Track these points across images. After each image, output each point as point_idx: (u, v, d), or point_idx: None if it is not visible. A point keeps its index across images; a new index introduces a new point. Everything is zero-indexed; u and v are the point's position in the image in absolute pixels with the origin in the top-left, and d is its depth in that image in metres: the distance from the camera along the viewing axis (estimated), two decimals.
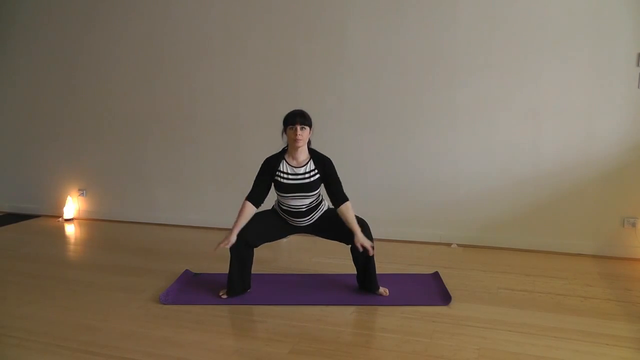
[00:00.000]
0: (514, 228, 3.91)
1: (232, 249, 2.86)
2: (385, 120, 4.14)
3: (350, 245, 2.90)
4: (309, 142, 2.92)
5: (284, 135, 2.87)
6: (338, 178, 2.90)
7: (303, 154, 2.88)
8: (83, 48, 5.00)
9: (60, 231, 4.79)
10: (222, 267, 3.11)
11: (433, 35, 3.94)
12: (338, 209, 2.85)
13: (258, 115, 4.47)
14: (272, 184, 2.88)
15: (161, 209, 4.95)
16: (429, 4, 3.92)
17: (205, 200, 4.77)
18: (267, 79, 4.42)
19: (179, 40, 4.67)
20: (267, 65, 4.41)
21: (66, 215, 5.15)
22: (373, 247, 2.82)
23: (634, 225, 3.64)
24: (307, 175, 2.84)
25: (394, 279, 3.15)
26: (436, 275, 3.25)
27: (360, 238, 2.76)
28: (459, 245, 4.03)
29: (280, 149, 2.95)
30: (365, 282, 2.95)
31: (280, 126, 2.88)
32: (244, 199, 2.86)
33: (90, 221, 5.15)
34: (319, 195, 2.94)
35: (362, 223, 2.89)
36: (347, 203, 2.85)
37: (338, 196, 2.86)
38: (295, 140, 2.78)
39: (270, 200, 3.00)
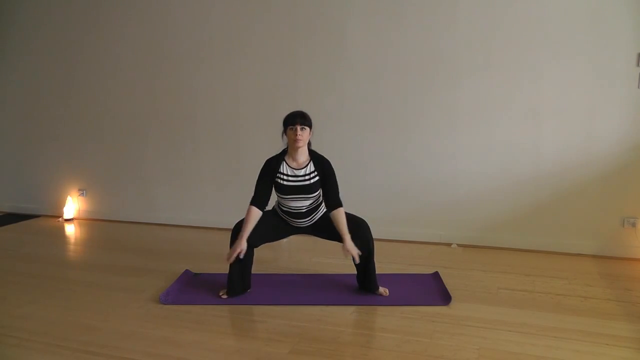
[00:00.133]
0: (514, 228, 3.91)
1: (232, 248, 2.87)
2: (385, 120, 4.14)
3: None
4: (309, 144, 2.92)
5: (284, 137, 2.87)
6: (335, 181, 2.88)
7: (303, 155, 2.88)
8: (83, 48, 5.00)
9: (60, 231, 4.79)
10: (222, 267, 3.11)
11: (433, 35, 3.94)
12: (330, 213, 2.84)
13: (258, 115, 4.47)
14: (273, 185, 2.88)
15: (161, 209, 4.95)
16: (429, 4, 3.92)
17: (205, 200, 4.77)
18: (267, 79, 4.42)
19: (179, 40, 4.67)
20: (267, 65, 4.41)
21: (66, 215, 5.15)
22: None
23: (634, 225, 3.64)
24: (307, 177, 2.84)
25: (394, 279, 3.15)
26: (436, 275, 3.25)
27: (348, 245, 2.75)
28: (459, 245, 4.03)
29: (280, 150, 2.95)
30: (365, 282, 2.94)
31: (280, 126, 2.88)
32: (249, 204, 2.84)
33: (90, 221, 5.15)
34: (319, 197, 2.94)
35: (362, 223, 2.89)
36: (340, 209, 2.83)
37: (332, 200, 2.85)
38: (296, 140, 2.78)
39: (271, 201, 3.00)
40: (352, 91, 4.20)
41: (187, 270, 3.37)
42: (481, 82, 3.87)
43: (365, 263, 2.89)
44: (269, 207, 3.03)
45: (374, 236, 2.91)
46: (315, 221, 2.95)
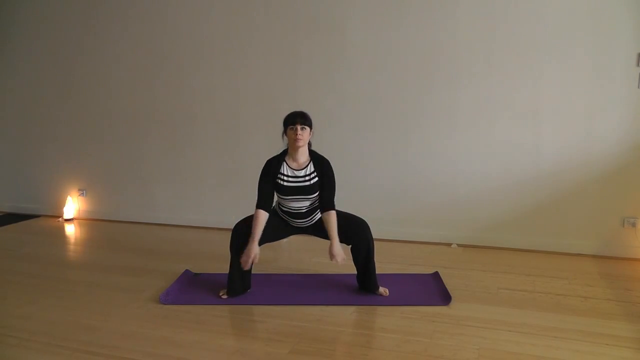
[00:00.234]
0: (514, 228, 3.91)
1: (232, 249, 2.86)
2: (385, 120, 4.14)
3: (350, 246, 2.91)
4: (309, 144, 2.92)
5: (285, 137, 2.87)
6: (332, 183, 2.86)
7: (303, 156, 2.88)
8: (83, 48, 5.00)
9: (60, 231, 4.79)
10: (222, 267, 3.11)
11: (433, 35, 3.94)
12: (322, 214, 2.84)
13: (258, 115, 4.47)
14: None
15: (161, 209, 4.95)
16: (429, 3, 3.92)
17: (205, 200, 4.77)
18: (267, 79, 4.42)
19: (178, 40, 4.67)
20: (267, 65, 4.41)
21: (66, 215, 5.15)
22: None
23: (634, 225, 3.64)
24: (307, 178, 2.84)
25: (394, 279, 3.15)
26: (436, 275, 3.25)
27: (335, 249, 2.74)
28: (459, 245, 4.03)
29: (280, 150, 2.95)
30: (365, 282, 2.94)
31: (280, 127, 2.88)
32: (255, 207, 2.83)
33: (90, 221, 5.15)
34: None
35: (362, 223, 2.89)
36: (332, 212, 2.81)
37: (325, 202, 2.84)
38: (296, 140, 2.78)
39: None
40: (352, 91, 4.20)
41: (187, 270, 3.37)
42: (481, 82, 3.87)
43: (366, 263, 2.89)
44: None
45: (374, 236, 2.91)
46: (316, 221, 2.95)
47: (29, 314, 2.72)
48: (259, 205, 2.83)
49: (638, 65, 3.51)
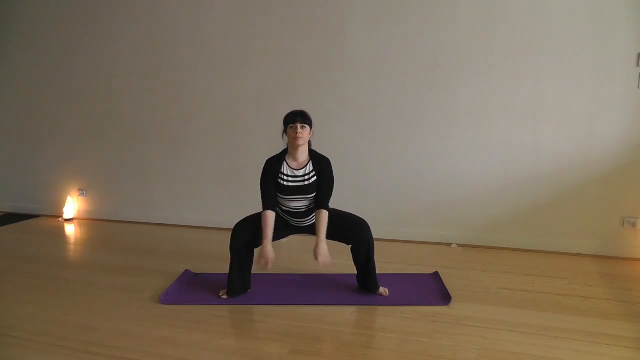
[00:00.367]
0: (514, 228, 3.92)
1: (232, 249, 2.86)
2: (385, 120, 4.14)
3: (350, 245, 2.91)
4: (309, 144, 2.92)
5: (285, 136, 2.87)
6: (328, 182, 2.85)
7: (303, 155, 2.88)
8: (83, 48, 5.00)
9: (60, 231, 4.79)
10: (222, 267, 3.11)
11: (433, 35, 3.94)
12: (315, 211, 2.83)
13: (258, 115, 4.47)
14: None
15: (161, 209, 4.95)
16: (429, 4, 3.93)
17: (205, 200, 4.77)
18: (267, 79, 4.43)
19: (178, 40, 4.67)
20: (267, 65, 4.41)
21: (66, 215, 5.15)
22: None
23: (634, 225, 3.64)
24: (306, 178, 2.84)
25: (394, 279, 3.15)
26: (436, 275, 3.25)
27: (320, 248, 2.74)
28: (459, 245, 4.03)
29: (280, 150, 2.94)
30: (365, 282, 2.94)
31: (280, 126, 2.88)
32: (262, 209, 2.82)
33: (90, 221, 5.15)
34: None
35: (362, 222, 2.89)
36: (324, 212, 2.80)
37: (319, 200, 2.82)
38: (296, 138, 2.77)
39: None
40: (352, 91, 4.20)
41: (187, 270, 3.37)
42: (481, 82, 3.87)
43: (366, 263, 2.89)
44: None
45: (374, 236, 2.90)
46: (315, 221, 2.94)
47: (29, 314, 2.72)
48: (266, 206, 2.83)
49: (638, 65, 3.51)
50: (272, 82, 4.41)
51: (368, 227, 2.89)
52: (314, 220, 2.94)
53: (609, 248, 3.70)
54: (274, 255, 2.76)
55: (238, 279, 2.90)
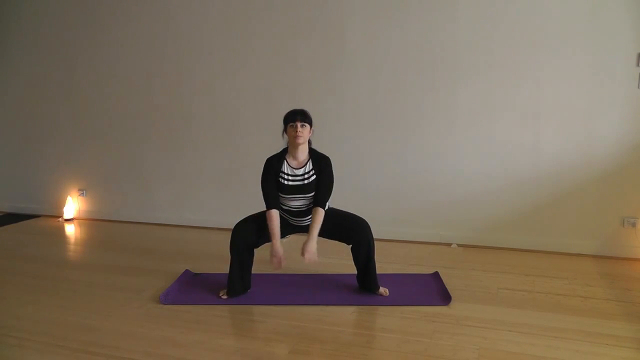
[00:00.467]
0: (514, 228, 3.91)
1: (232, 249, 2.86)
2: (385, 120, 4.14)
3: (350, 245, 2.91)
4: (309, 143, 2.92)
5: (285, 135, 2.87)
6: (327, 180, 2.85)
7: (303, 154, 2.88)
8: (83, 48, 5.00)
9: (60, 231, 4.79)
10: (222, 267, 3.11)
11: (433, 35, 3.94)
12: (312, 209, 2.83)
13: (258, 115, 4.47)
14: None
15: (161, 209, 4.95)
16: (429, 3, 3.92)
17: (205, 200, 4.77)
18: (267, 79, 4.42)
19: (179, 40, 4.67)
20: (267, 65, 4.41)
21: (66, 215, 5.15)
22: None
23: (634, 225, 3.64)
24: (306, 176, 2.84)
25: (394, 279, 3.15)
26: (436, 275, 3.25)
27: (309, 245, 2.74)
28: (459, 245, 4.03)
29: (280, 149, 2.94)
30: (365, 282, 2.94)
31: (280, 126, 2.88)
32: (266, 209, 2.83)
33: (90, 221, 5.15)
34: None
35: (362, 222, 2.88)
36: (320, 210, 2.80)
37: (317, 198, 2.82)
38: (296, 137, 2.77)
39: None
40: (352, 91, 4.20)
41: (187, 270, 3.37)
42: (481, 82, 3.87)
43: (366, 263, 2.89)
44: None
45: (374, 236, 2.90)
46: None
47: (29, 314, 2.72)
48: (269, 206, 2.83)
49: (638, 65, 3.51)
50: (272, 82, 4.41)
51: (368, 226, 2.89)
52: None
53: (609, 248, 3.70)
54: (282, 252, 2.77)
55: (238, 279, 2.90)
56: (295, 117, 2.79)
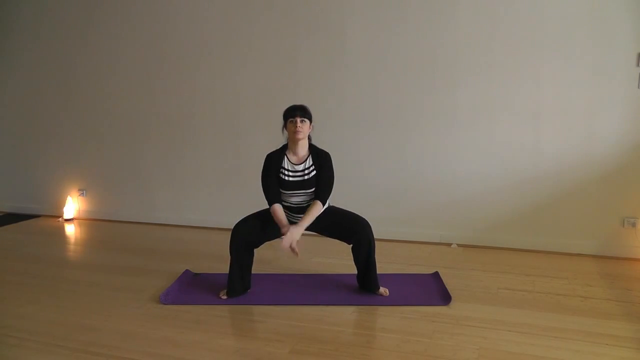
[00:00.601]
0: (514, 228, 3.91)
1: (232, 249, 2.86)
2: (385, 120, 4.14)
3: (351, 245, 2.90)
4: (309, 139, 2.92)
5: (285, 131, 2.87)
6: (327, 176, 2.85)
7: (303, 149, 2.88)
8: (83, 48, 5.01)
9: (60, 231, 4.79)
10: (222, 267, 3.11)
11: (433, 35, 3.94)
12: (312, 201, 2.83)
13: (258, 116, 4.47)
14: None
15: (161, 209, 4.95)
16: (429, 3, 3.93)
17: (205, 200, 4.77)
18: (267, 79, 4.42)
19: (178, 40, 4.67)
20: (266, 65, 4.41)
21: (66, 215, 5.15)
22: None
23: (634, 225, 3.64)
24: (306, 172, 2.84)
25: (394, 279, 3.15)
26: (436, 275, 3.25)
27: (292, 232, 2.70)
28: (459, 245, 4.03)
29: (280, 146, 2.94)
30: (365, 282, 2.94)
31: (280, 126, 2.89)
32: (269, 205, 2.83)
33: (90, 221, 5.15)
34: None
35: (363, 222, 2.88)
36: (318, 203, 2.80)
37: (317, 193, 2.82)
38: (295, 132, 2.78)
39: None
40: (352, 91, 4.20)
41: (187, 270, 3.37)
42: (481, 82, 3.87)
43: (366, 262, 2.89)
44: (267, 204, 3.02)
45: (375, 236, 2.90)
46: (317, 217, 2.90)
47: (29, 314, 2.72)
48: (271, 201, 2.83)
49: (638, 65, 3.51)
50: (272, 82, 4.41)
51: (369, 226, 2.88)
52: None
53: (609, 248, 3.70)
54: (295, 235, 2.73)
55: (238, 279, 2.89)
56: (295, 113, 2.79)
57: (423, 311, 2.69)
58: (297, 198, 2.86)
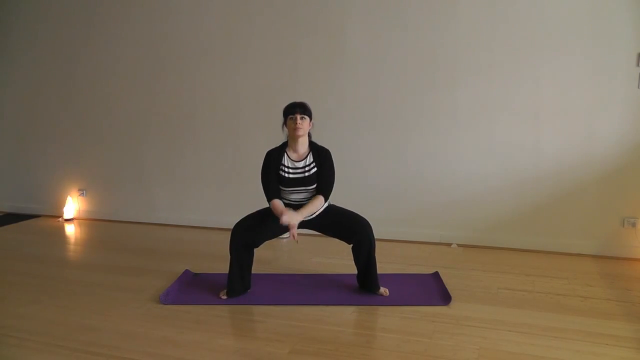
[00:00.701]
0: (514, 228, 3.91)
1: (232, 249, 2.86)
2: (385, 120, 4.14)
3: (351, 245, 2.90)
4: (309, 136, 2.92)
5: (285, 128, 2.87)
6: (328, 172, 2.85)
7: (303, 147, 2.88)
8: (83, 48, 5.00)
9: (60, 231, 4.79)
10: (222, 267, 3.11)
11: (433, 35, 3.94)
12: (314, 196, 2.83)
13: (258, 115, 4.47)
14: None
15: (161, 209, 4.95)
16: (429, 3, 3.93)
17: (204, 200, 4.77)
18: (267, 79, 4.42)
19: (178, 40, 4.67)
20: (266, 65, 4.41)
21: (66, 215, 5.15)
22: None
23: (634, 225, 3.64)
24: (306, 169, 2.84)
25: (394, 279, 3.15)
26: (436, 275, 3.25)
27: (293, 214, 2.68)
28: (459, 245, 4.03)
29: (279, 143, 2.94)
30: (366, 282, 2.94)
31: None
32: (268, 201, 2.83)
33: (90, 221, 5.15)
34: None
35: (364, 222, 2.88)
36: (320, 197, 2.80)
37: (319, 188, 2.82)
38: (295, 129, 2.78)
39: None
40: (352, 91, 4.20)
41: (187, 270, 3.37)
42: (481, 82, 3.87)
43: (367, 262, 2.89)
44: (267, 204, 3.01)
45: (375, 236, 2.90)
46: (318, 215, 2.91)
47: (29, 314, 2.72)
48: (271, 197, 2.82)
49: (638, 65, 3.51)
50: (272, 82, 4.41)
51: (369, 226, 2.89)
52: (315, 214, 2.90)
53: (609, 248, 3.70)
54: (292, 218, 2.70)
55: (238, 279, 2.89)
56: (295, 110, 2.79)
57: (423, 311, 2.69)
58: (297, 195, 2.86)
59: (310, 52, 4.28)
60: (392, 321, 2.58)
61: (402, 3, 3.99)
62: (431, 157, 4.06)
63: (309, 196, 2.86)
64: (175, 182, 4.86)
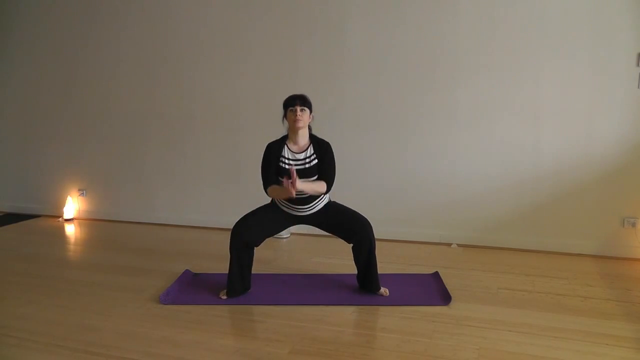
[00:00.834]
0: (514, 228, 3.91)
1: (232, 249, 2.86)
2: (385, 120, 4.14)
3: (352, 245, 2.90)
4: (310, 129, 2.91)
5: (285, 121, 2.86)
6: (330, 164, 2.85)
7: (304, 139, 2.87)
8: (83, 48, 5.00)
9: (60, 231, 4.79)
10: (222, 267, 3.11)
11: (433, 35, 3.94)
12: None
13: (258, 115, 4.47)
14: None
15: (161, 209, 4.95)
16: (429, 4, 3.92)
17: (204, 200, 4.77)
18: (267, 79, 4.42)
19: (178, 40, 4.67)
20: (267, 65, 4.41)
21: (66, 215, 5.15)
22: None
23: (634, 225, 3.64)
24: (307, 161, 2.83)
25: (394, 279, 3.15)
26: (436, 275, 3.25)
27: (296, 184, 2.59)
28: (459, 245, 4.03)
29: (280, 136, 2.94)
30: (366, 282, 2.94)
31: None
32: (265, 190, 2.83)
33: (90, 221, 5.15)
34: None
35: (364, 221, 2.88)
36: (324, 184, 2.79)
37: (322, 178, 2.82)
38: (295, 121, 2.77)
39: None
40: (352, 91, 4.20)
41: (187, 270, 3.37)
42: (481, 82, 3.87)
43: (367, 262, 2.89)
44: (267, 201, 3.01)
45: (375, 236, 2.90)
46: (317, 211, 2.91)
47: (29, 314, 2.72)
48: (268, 187, 2.82)
49: (638, 65, 3.51)
50: (272, 82, 4.41)
51: (370, 226, 2.89)
52: (314, 210, 2.90)
53: (609, 248, 3.70)
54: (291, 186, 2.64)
55: (238, 279, 2.89)
56: (295, 102, 2.79)
57: (423, 311, 2.69)
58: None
59: (310, 52, 4.28)
60: (392, 321, 2.58)
61: (402, 3, 3.99)
62: (431, 157, 4.06)
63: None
64: (175, 182, 4.86)
